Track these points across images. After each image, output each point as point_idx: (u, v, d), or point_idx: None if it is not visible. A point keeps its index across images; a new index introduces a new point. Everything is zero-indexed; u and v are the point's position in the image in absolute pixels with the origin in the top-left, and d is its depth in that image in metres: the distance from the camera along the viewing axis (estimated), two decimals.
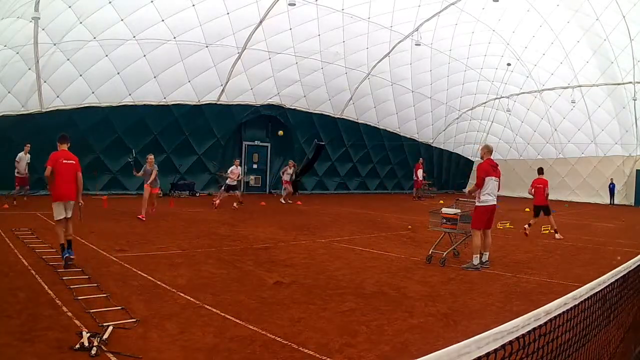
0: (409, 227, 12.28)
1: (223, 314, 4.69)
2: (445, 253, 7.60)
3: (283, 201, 18.39)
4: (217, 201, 15.16)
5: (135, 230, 10.00)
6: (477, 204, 7.49)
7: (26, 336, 3.88)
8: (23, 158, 13.51)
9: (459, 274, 7.03)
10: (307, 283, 6.14)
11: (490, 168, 7.56)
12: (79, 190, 6.78)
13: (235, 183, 15.74)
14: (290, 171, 19.02)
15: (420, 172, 23.92)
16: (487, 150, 7.87)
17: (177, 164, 19.48)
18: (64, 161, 6.66)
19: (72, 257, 6.33)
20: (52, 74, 15.59)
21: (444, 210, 7.93)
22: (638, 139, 23.16)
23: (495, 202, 7.59)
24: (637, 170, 23.91)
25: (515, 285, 6.44)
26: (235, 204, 15.31)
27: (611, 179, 23.80)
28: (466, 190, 8.63)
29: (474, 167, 27.42)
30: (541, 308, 1.91)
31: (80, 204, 6.82)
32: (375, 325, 4.55)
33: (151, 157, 12.25)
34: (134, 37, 16.01)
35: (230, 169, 15.76)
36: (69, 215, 6.68)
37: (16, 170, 13.49)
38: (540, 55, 22.75)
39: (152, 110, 18.30)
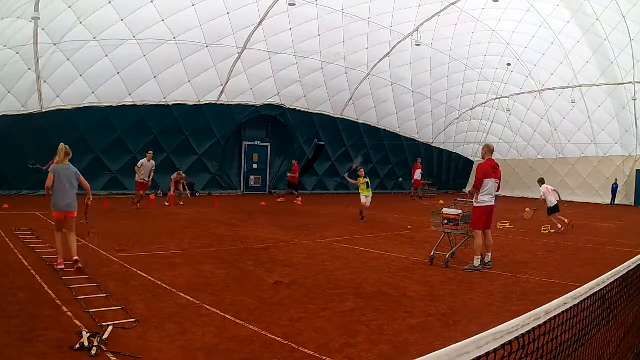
0: (409, 227, 12.28)
1: (223, 314, 4.70)
2: (448, 254, 7.58)
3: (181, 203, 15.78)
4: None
5: (135, 230, 10.00)
6: (474, 204, 7.45)
7: (26, 336, 3.88)
8: (146, 165, 13.86)
9: (459, 274, 7.03)
10: (307, 283, 6.14)
11: (490, 169, 7.46)
12: None
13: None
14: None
15: (418, 172, 23.92)
16: (488, 149, 7.73)
17: (177, 164, 19.47)
18: None
19: None
20: (52, 74, 15.58)
21: (445, 211, 7.91)
22: (638, 139, 23.14)
23: (493, 203, 7.51)
24: (637, 170, 23.91)
25: (515, 285, 6.44)
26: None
27: (615, 179, 23.81)
28: (467, 190, 8.69)
29: (474, 167, 27.38)
30: (541, 308, 1.91)
31: None
32: (375, 325, 4.55)
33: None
34: (134, 37, 16.00)
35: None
36: None
37: (137, 176, 13.93)
38: (540, 55, 22.74)
39: (152, 110, 18.28)
